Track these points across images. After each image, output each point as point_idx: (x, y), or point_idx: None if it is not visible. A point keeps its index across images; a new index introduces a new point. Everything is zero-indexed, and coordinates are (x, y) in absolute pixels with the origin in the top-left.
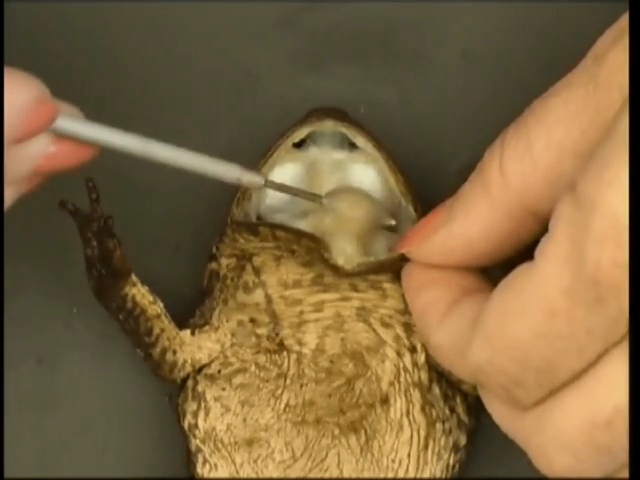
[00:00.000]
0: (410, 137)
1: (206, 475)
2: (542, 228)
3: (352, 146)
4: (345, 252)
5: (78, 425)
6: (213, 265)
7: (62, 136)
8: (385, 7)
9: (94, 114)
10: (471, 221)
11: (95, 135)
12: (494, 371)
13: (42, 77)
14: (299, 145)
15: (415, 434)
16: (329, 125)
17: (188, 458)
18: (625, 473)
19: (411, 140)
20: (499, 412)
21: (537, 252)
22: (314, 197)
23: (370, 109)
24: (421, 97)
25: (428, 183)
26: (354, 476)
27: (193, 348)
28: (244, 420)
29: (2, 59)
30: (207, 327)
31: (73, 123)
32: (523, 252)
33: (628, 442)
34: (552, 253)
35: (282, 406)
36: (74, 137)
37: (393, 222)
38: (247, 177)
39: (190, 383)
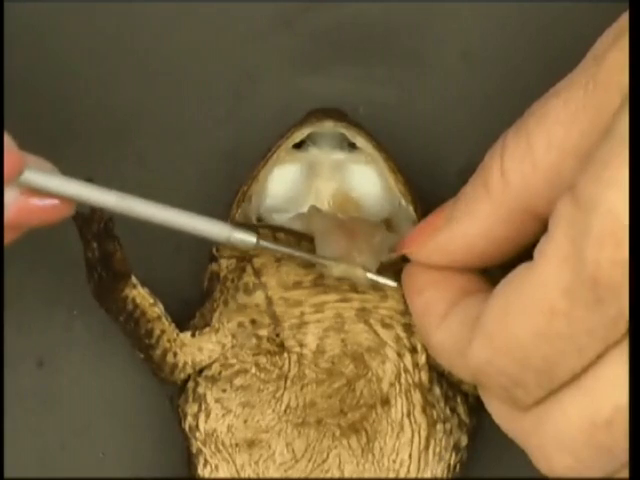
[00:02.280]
0: (410, 137)
1: (207, 476)
2: (543, 229)
3: (352, 147)
4: None
5: (78, 425)
6: (213, 266)
7: (35, 191)
8: (385, 7)
9: (93, 115)
10: (472, 222)
11: (70, 191)
12: (494, 371)
13: (42, 77)
14: (299, 146)
15: (416, 435)
16: (329, 126)
17: (189, 459)
18: (625, 473)
19: (411, 140)
20: (499, 412)
21: (536, 252)
22: (314, 258)
23: (370, 109)
24: (421, 97)
25: (428, 183)
26: (355, 477)
27: (193, 350)
28: (245, 421)
29: (2, 58)
30: (207, 329)
31: (44, 178)
32: (522, 252)
33: (628, 442)
34: (552, 253)
35: (283, 407)
36: (48, 192)
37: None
38: (238, 236)
39: (191, 385)
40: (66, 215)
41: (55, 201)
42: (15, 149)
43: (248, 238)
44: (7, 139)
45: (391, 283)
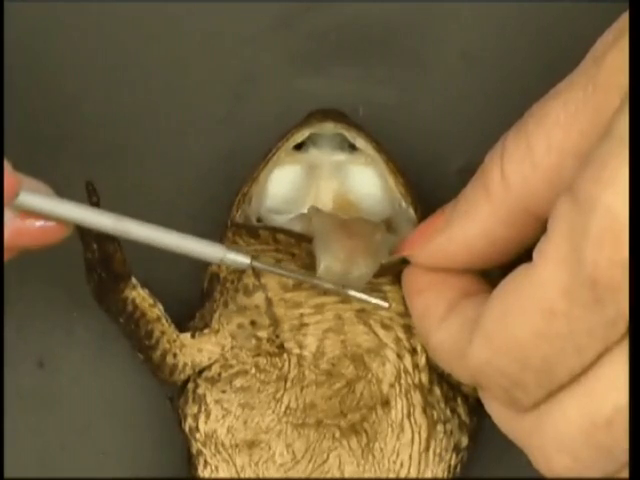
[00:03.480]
0: (410, 138)
1: (207, 477)
2: (543, 230)
3: (352, 148)
4: None
5: (78, 425)
6: (213, 268)
7: (30, 213)
8: (385, 8)
9: (92, 116)
10: (472, 224)
11: (65, 213)
12: (494, 372)
13: (42, 76)
14: (299, 147)
15: (416, 436)
16: (329, 127)
17: (189, 460)
18: (625, 473)
19: (411, 141)
20: (499, 413)
21: (535, 253)
22: (308, 279)
23: (370, 110)
24: (421, 98)
25: (428, 184)
26: (355, 478)
27: (193, 351)
28: (245, 423)
29: (2, 58)
30: (207, 330)
31: (40, 199)
32: (522, 253)
33: (628, 442)
34: (550, 254)
35: (283, 408)
36: (43, 214)
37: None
38: (232, 257)
39: (190, 386)
40: (61, 237)
41: (50, 223)
42: (11, 171)
43: (242, 259)
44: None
45: (383, 304)
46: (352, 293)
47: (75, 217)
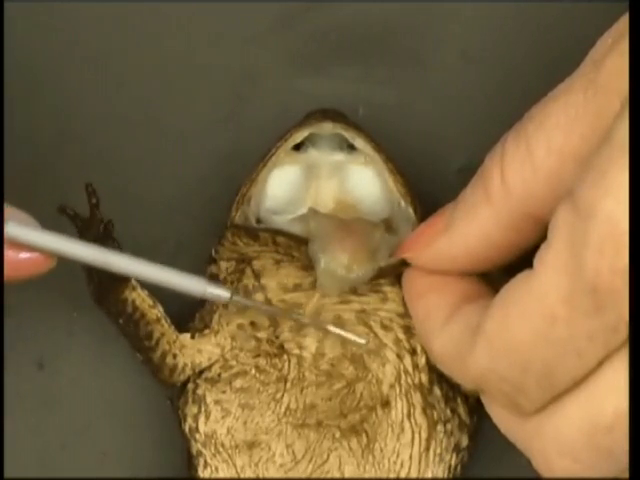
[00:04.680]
0: (409, 138)
1: (207, 478)
2: (544, 232)
3: (351, 148)
4: None
5: (78, 426)
6: (213, 269)
7: (14, 244)
8: (384, 8)
9: (92, 117)
10: (472, 228)
11: (51, 245)
12: (495, 377)
13: (43, 76)
14: (298, 147)
15: (417, 436)
16: (328, 127)
17: (189, 461)
18: (625, 475)
19: (410, 141)
20: (500, 417)
21: (536, 260)
22: (287, 313)
23: (369, 110)
24: (420, 98)
25: (427, 184)
26: (355, 478)
27: (193, 352)
28: (244, 423)
29: (2, 59)
30: (207, 331)
31: (25, 231)
32: (524, 255)
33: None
34: (551, 261)
35: (283, 409)
36: (27, 245)
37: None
38: (212, 291)
39: (190, 386)
40: (46, 269)
41: (35, 254)
42: None
43: (222, 293)
44: None
45: (361, 341)
46: (331, 328)
47: (59, 249)
